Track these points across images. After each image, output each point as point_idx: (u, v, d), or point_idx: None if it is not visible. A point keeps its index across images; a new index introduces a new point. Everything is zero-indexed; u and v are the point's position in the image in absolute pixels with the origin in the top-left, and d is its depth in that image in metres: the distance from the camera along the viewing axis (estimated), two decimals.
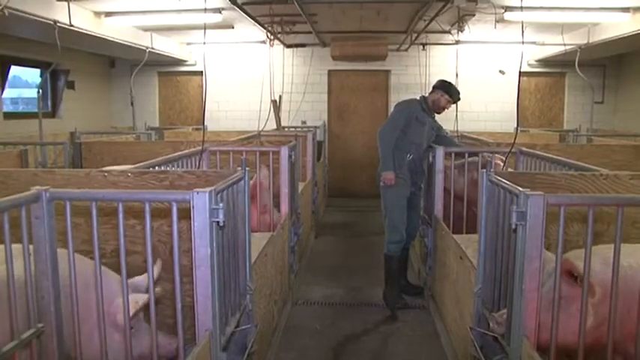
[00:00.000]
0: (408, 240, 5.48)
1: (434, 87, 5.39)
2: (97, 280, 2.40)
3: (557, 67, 10.66)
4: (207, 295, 2.36)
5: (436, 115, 5.45)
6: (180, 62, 10.97)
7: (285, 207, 5.08)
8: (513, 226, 2.42)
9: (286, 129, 9.94)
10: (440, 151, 5.06)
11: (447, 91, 5.26)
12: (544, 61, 10.57)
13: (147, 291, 2.54)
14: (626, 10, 6.89)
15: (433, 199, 5.16)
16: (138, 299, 2.51)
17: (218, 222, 2.36)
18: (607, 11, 6.98)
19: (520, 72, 4.26)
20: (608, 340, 2.36)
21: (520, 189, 2.44)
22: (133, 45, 8.39)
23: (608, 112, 10.86)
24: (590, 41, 8.16)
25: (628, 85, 10.49)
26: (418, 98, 5.42)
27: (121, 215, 2.35)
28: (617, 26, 7.40)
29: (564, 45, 8.28)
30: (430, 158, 5.24)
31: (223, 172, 3.35)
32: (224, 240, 2.58)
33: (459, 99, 5.35)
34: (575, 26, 8.17)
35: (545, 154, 4.69)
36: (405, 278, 5.61)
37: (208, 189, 2.33)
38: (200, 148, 4.72)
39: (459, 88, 5.43)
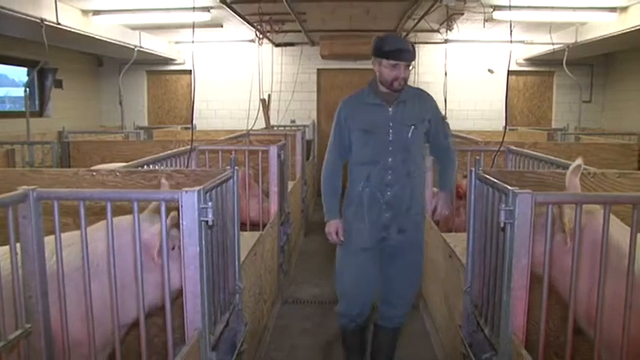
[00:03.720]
0: (388, 314, 3.72)
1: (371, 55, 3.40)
2: (86, 279, 2.39)
3: (545, 66, 10.71)
4: (197, 294, 2.36)
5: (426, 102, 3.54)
6: (168, 61, 10.94)
7: (274, 206, 5.08)
8: (502, 225, 2.42)
9: (275, 128, 9.94)
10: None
11: (379, 53, 3.31)
12: (532, 60, 10.62)
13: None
14: (613, 9, 6.94)
15: None
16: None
17: (207, 221, 2.36)
18: (594, 11, 7.02)
19: (509, 71, 4.29)
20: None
21: (509, 187, 2.44)
22: (121, 44, 8.35)
23: (596, 111, 10.93)
24: (578, 40, 8.21)
25: (615, 84, 10.56)
26: (367, 85, 3.53)
27: (109, 215, 2.34)
28: (604, 26, 7.46)
29: (552, 44, 8.32)
30: None
31: (212, 171, 3.35)
32: (213, 239, 2.58)
33: (402, 50, 3.27)
34: (563, 25, 8.22)
35: (533, 153, 4.71)
36: None
37: (197, 188, 2.33)
38: (189, 147, 4.71)
39: (449, 87, 5.19)
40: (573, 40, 8.30)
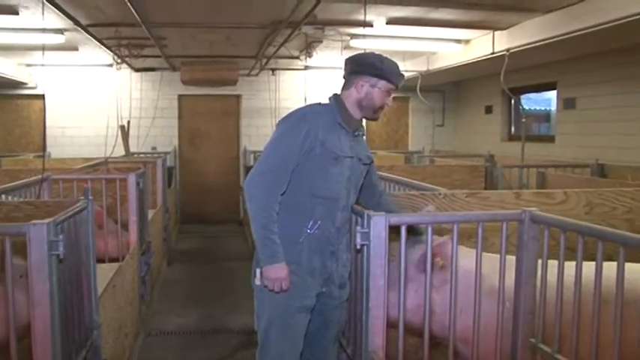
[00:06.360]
0: None
1: (351, 72, 2.87)
2: None
3: (401, 91, 11.09)
4: (47, 334, 2.23)
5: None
6: (19, 85, 10.27)
7: (133, 236, 4.91)
8: (358, 247, 2.51)
9: (135, 155, 9.65)
10: None
11: (379, 73, 2.75)
12: None
13: None
14: (458, 41, 7.48)
15: None
16: None
17: (58, 255, 2.24)
18: (443, 42, 7.53)
19: None
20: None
21: (364, 210, 2.54)
22: None
23: (449, 134, 11.58)
24: (430, 68, 8.75)
25: (464, 109, 11.30)
26: (327, 102, 2.95)
27: None
28: (451, 56, 8.03)
29: (406, 71, 8.76)
30: None
31: (65, 202, 3.19)
32: (66, 274, 2.45)
33: (402, 76, 2.84)
34: (416, 54, 8.74)
35: (390, 176, 4.91)
36: None
37: (47, 220, 2.22)
38: (40, 176, 4.45)
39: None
40: (425, 68, 8.84)
